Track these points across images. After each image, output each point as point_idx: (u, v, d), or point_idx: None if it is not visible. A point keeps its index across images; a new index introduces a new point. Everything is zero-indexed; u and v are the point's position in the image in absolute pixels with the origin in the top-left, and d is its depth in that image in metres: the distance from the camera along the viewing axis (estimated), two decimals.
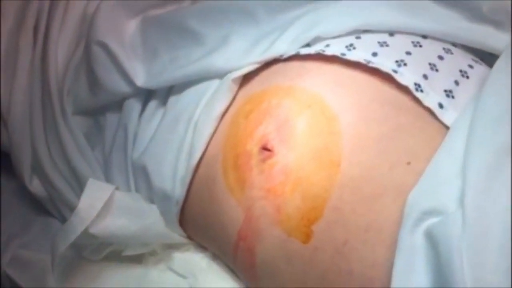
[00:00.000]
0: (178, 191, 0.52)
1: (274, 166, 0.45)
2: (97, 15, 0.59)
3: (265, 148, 0.46)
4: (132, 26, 0.61)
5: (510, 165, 0.39)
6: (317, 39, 0.50)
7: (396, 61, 0.47)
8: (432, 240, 0.39)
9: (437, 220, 0.40)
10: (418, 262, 0.40)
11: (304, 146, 0.45)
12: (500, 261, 0.37)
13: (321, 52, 0.48)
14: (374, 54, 0.48)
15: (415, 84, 0.46)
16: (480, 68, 0.49)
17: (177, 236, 0.56)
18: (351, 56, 0.47)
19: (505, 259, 0.36)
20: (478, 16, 0.49)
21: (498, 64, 0.44)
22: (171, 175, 0.52)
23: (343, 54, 0.48)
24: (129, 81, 0.57)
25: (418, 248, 0.40)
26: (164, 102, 0.57)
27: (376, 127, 0.45)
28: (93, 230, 0.51)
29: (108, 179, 0.58)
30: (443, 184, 0.41)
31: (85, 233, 0.51)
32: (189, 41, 0.56)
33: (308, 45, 0.51)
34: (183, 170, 0.51)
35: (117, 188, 0.55)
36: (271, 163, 0.46)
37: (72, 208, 0.54)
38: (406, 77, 0.46)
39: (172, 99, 0.56)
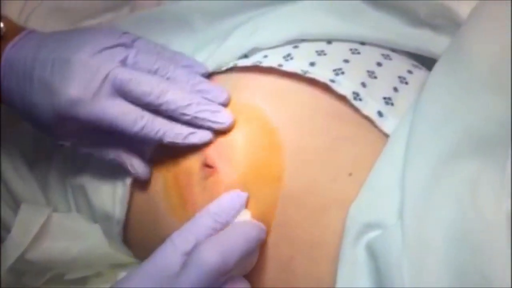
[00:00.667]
0: (118, 211, 0.50)
1: (218, 184, 0.44)
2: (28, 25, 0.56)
3: (206, 165, 0.45)
4: None
5: (449, 174, 0.39)
6: (255, 50, 0.49)
7: (334, 70, 0.46)
8: (373, 254, 0.39)
9: (377, 234, 0.39)
10: (360, 276, 0.39)
11: (246, 162, 0.44)
12: (442, 274, 0.36)
13: (258, 64, 0.48)
14: (312, 64, 0.47)
15: (354, 93, 0.45)
16: (419, 73, 0.49)
17: (122, 255, 0.54)
18: (288, 67, 0.47)
19: (447, 272, 0.36)
20: (416, 20, 0.49)
21: (436, 69, 0.44)
22: (111, 195, 0.50)
23: (280, 65, 0.47)
24: None
25: (359, 262, 0.39)
26: None
27: (317, 138, 0.44)
28: (30, 256, 0.50)
29: (47, 199, 0.56)
30: (383, 196, 0.40)
31: (21, 259, 0.49)
32: None
33: (246, 56, 0.50)
34: (122, 190, 0.49)
35: (55, 210, 0.53)
36: (215, 180, 0.44)
37: (9, 229, 0.52)
38: (343, 87, 0.45)
39: None
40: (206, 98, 0.46)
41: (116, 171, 0.49)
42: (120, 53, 0.46)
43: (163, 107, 0.45)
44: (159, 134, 0.45)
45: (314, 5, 0.50)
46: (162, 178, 0.47)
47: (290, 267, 0.42)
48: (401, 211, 0.38)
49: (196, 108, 0.45)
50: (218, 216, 0.41)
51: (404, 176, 0.40)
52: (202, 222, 0.41)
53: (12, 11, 0.60)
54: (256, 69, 0.48)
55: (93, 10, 0.61)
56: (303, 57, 0.47)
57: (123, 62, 0.46)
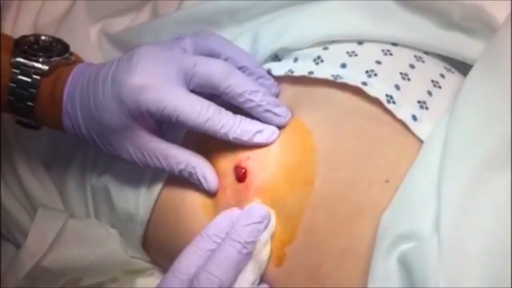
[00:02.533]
0: (142, 211, 0.49)
1: (249, 186, 0.44)
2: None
3: (239, 167, 0.44)
4: (92, 33, 0.59)
5: (486, 183, 0.37)
6: (284, 50, 0.48)
7: (366, 72, 0.44)
8: (407, 267, 0.37)
9: (411, 246, 0.37)
10: None
11: (277, 165, 0.44)
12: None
13: (289, 74, 0.47)
14: (343, 66, 0.45)
15: (387, 95, 0.43)
16: (453, 77, 0.47)
17: (139, 261, 0.53)
18: (319, 73, 0.45)
19: (485, 285, 0.34)
20: (449, 23, 0.47)
21: (472, 74, 0.42)
22: (135, 194, 0.49)
23: (311, 73, 0.46)
24: None
25: (392, 274, 0.38)
26: None
27: (352, 141, 0.43)
28: (45, 263, 0.49)
29: (65, 202, 0.55)
30: (418, 205, 0.39)
31: (37, 267, 0.48)
32: None
33: (276, 56, 0.49)
34: (147, 189, 0.48)
35: (71, 215, 0.52)
36: (247, 183, 0.44)
37: (25, 233, 0.51)
38: (376, 89, 0.43)
39: None
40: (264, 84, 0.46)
41: (141, 172, 0.48)
42: (180, 42, 0.46)
43: (229, 90, 0.43)
44: (225, 128, 0.43)
45: (344, 4, 0.48)
46: None
47: (318, 276, 0.41)
48: (437, 221, 0.37)
49: (262, 96, 0.44)
50: (216, 237, 0.41)
51: (441, 185, 0.38)
52: (202, 245, 0.41)
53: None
54: (288, 77, 0.47)
55: (115, 9, 0.61)
56: (333, 60, 0.46)
57: (184, 50, 0.45)
